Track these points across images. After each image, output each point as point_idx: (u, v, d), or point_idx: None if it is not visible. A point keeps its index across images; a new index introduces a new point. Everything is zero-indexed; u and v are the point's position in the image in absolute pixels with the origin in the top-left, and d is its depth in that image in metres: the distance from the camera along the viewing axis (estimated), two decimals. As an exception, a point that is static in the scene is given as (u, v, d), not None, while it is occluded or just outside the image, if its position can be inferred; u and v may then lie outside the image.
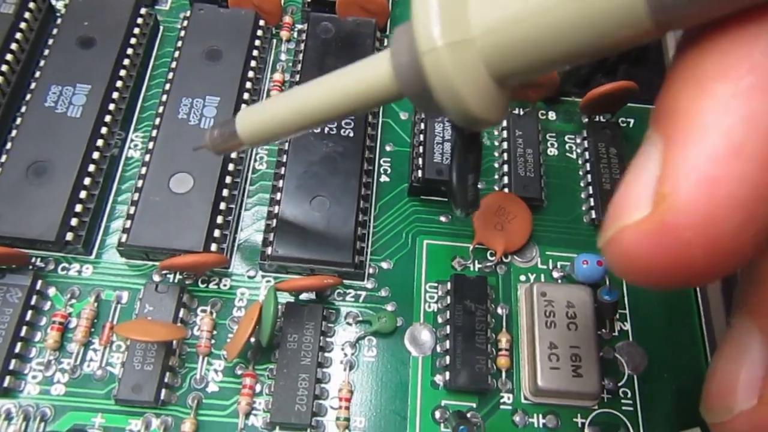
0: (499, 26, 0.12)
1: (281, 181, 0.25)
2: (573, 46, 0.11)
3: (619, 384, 0.23)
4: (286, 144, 0.25)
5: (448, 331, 0.23)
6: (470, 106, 0.13)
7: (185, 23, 0.28)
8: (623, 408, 0.23)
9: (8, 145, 0.25)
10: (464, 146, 0.17)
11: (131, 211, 0.23)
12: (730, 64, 0.10)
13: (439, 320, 0.24)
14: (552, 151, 0.28)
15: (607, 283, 0.24)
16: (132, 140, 0.27)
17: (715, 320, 0.25)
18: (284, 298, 0.24)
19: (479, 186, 0.20)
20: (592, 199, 0.26)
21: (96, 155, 0.25)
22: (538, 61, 0.12)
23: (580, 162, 0.28)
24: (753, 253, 0.10)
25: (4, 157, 0.24)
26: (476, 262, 0.25)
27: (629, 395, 0.23)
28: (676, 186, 0.10)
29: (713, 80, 0.10)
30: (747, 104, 0.09)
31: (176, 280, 0.24)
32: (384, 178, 0.27)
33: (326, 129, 0.26)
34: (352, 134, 0.26)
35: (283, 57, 0.30)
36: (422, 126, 0.26)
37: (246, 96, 0.27)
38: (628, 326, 0.24)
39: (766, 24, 0.09)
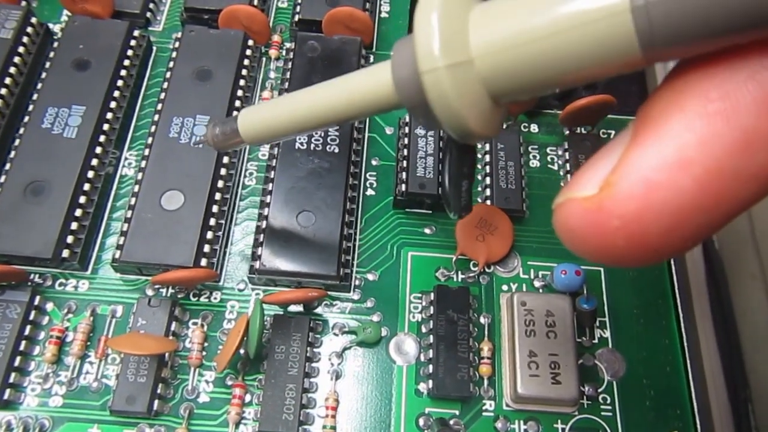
0: (498, 49, 0.12)
1: (269, 196, 0.25)
2: (567, 71, 0.12)
3: (599, 390, 0.24)
4: (274, 160, 0.26)
5: (431, 341, 0.24)
6: (468, 123, 0.13)
7: (177, 44, 0.29)
8: (603, 413, 0.24)
9: (7, 166, 0.26)
10: (459, 155, 0.17)
11: (125, 228, 0.24)
12: (705, 88, 0.10)
13: (423, 330, 0.25)
14: (534, 163, 0.29)
15: (585, 291, 0.24)
16: (126, 158, 0.28)
17: (699, 325, 0.26)
18: (273, 310, 0.25)
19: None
20: (572, 210, 0.27)
21: (91, 174, 0.26)
22: (533, 83, 0.13)
23: (561, 173, 0.28)
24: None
25: (3, 178, 0.25)
26: (459, 272, 0.26)
27: (609, 401, 0.24)
28: (621, 179, 0.11)
29: (687, 96, 0.11)
30: (709, 126, 0.10)
31: (168, 294, 0.25)
32: (370, 192, 0.28)
33: (312, 145, 0.26)
34: (337, 150, 0.26)
35: (272, 75, 0.30)
36: (406, 141, 0.27)
37: (235, 114, 0.27)
38: (607, 333, 0.25)
39: (743, 62, 0.10)
